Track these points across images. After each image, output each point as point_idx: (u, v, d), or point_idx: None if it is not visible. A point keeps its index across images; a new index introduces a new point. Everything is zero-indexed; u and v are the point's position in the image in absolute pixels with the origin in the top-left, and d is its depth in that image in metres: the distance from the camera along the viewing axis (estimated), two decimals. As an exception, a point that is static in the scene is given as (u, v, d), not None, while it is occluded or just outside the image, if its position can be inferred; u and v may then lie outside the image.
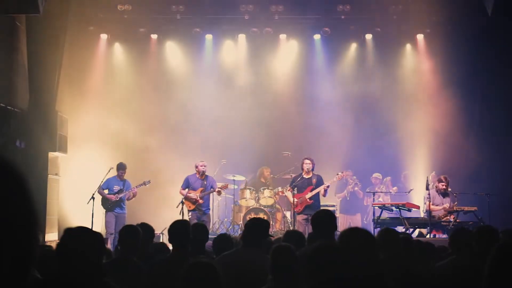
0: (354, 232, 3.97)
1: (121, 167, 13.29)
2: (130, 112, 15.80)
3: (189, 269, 3.67)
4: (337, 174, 13.42)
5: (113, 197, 13.04)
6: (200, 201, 12.91)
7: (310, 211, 11.92)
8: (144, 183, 13.18)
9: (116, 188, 13.15)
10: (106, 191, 13.12)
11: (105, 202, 13.08)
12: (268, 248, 5.20)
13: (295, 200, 12.59)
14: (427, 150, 15.67)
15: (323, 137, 15.78)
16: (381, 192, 14.85)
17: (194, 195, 12.88)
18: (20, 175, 1.51)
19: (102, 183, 13.04)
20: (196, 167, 13.12)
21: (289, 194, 12.88)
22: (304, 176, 12.80)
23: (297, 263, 4.30)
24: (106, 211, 13.08)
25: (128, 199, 13.24)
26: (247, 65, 16.80)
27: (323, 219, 5.48)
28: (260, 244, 5.42)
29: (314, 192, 12.60)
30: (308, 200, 12.52)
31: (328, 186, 12.77)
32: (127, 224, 12.10)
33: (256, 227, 5.58)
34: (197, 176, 13.13)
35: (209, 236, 6.55)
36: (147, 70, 16.51)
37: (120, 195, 13.04)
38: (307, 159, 12.87)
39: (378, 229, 11.42)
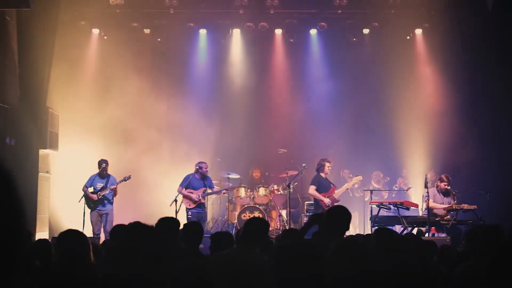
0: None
1: (100, 163, 13.04)
2: (123, 108, 15.54)
3: (179, 270, 3.51)
4: (356, 176, 13.58)
5: (94, 196, 12.85)
6: (203, 200, 12.93)
7: None
8: (124, 179, 12.97)
9: (99, 185, 12.98)
10: (91, 189, 12.91)
11: (88, 201, 12.94)
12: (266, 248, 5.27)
13: (326, 199, 12.52)
14: (426, 148, 15.50)
15: (319, 134, 15.60)
16: (381, 190, 14.72)
17: (195, 195, 12.78)
18: (6, 171, 1.47)
19: (86, 181, 12.98)
20: (201, 168, 12.97)
21: (316, 193, 12.63)
22: (323, 176, 12.76)
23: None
24: (90, 211, 12.89)
25: (114, 196, 13.01)
26: (241, 60, 16.61)
27: (340, 216, 5.30)
28: (258, 245, 5.30)
29: (342, 190, 12.92)
30: (336, 199, 12.58)
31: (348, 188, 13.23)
32: (115, 222, 12.12)
33: (256, 226, 5.46)
34: (197, 176, 12.99)
35: (204, 235, 6.34)
36: (140, 65, 16.25)
37: (102, 193, 12.83)
38: (329, 162, 12.75)
39: (376, 227, 11.28)
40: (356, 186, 15.00)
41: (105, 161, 13.09)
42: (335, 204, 12.17)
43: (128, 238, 3.46)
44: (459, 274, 4.91)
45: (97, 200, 12.85)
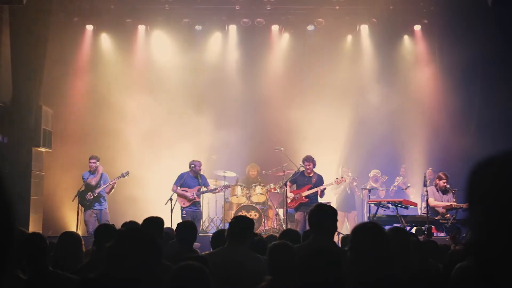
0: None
1: (91, 159, 12.94)
2: (117, 105, 15.38)
3: (178, 272, 3.39)
4: (336, 179, 13.28)
5: (92, 181, 12.69)
6: (197, 199, 12.91)
7: (306, 209, 11.67)
8: (122, 175, 12.98)
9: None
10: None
11: (83, 200, 12.83)
12: (255, 246, 5.46)
13: (292, 195, 12.29)
14: (424, 146, 15.39)
15: (317, 132, 15.45)
16: (378, 188, 14.61)
17: (190, 193, 12.75)
18: None
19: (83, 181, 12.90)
20: (194, 166, 12.96)
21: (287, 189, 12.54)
22: (305, 174, 12.61)
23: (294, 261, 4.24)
24: (84, 210, 12.74)
25: (107, 193, 12.88)
26: (237, 57, 16.46)
27: (324, 215, 5.11)
28: (244, 243, 5.28)
29: (311, 191, 12.46)
30: (303, 198, 12.26)
31: (325, 188, 12.68)
32: (110, 222, 11.98)
33: (239, 225, 5.42)
34: (191, 174, 12.96)
35: (200, 234, 6.24)
36: (134, 62, 16.13)
37: (98, 190, 12.69)
38: (308, 162, 12.57)
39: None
40: (354, 184, 14.88)
41: (95, 157, 12.98)
42: (301, 203, 12.32)
43: (120, 239, 3.30)
44: (458, 273, 4.82)
45: (92, 199, 12.72)
